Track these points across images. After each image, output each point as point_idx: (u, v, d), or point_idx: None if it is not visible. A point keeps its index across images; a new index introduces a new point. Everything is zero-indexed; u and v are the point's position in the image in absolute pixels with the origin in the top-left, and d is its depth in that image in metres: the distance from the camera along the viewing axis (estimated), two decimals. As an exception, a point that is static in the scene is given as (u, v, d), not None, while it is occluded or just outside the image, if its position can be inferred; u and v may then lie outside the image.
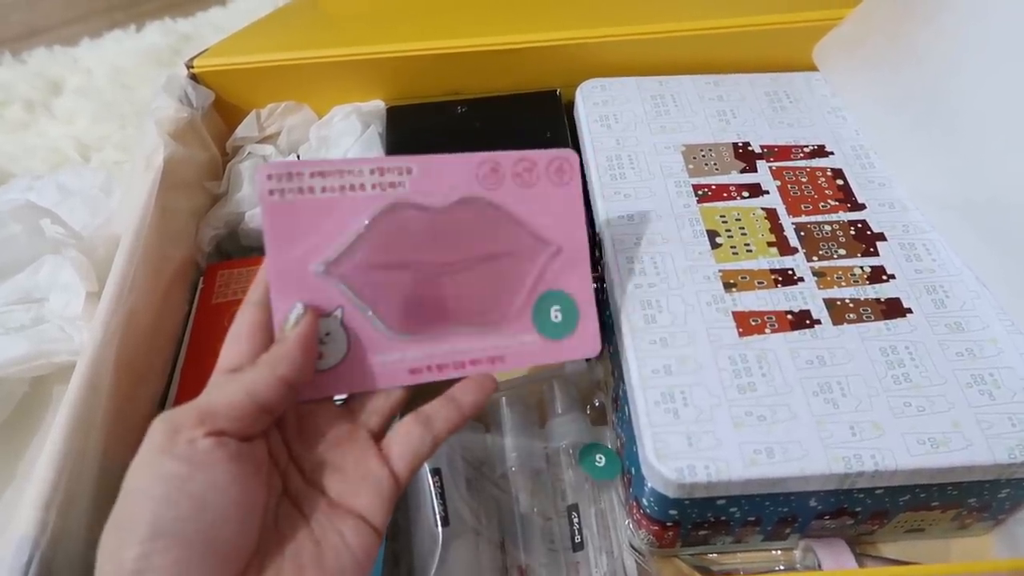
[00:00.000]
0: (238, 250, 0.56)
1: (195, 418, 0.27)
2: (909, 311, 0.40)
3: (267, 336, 0.31)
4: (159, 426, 0.27)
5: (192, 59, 0.55)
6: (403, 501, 0.42)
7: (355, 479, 0.31)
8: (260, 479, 0.29)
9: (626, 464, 0.41)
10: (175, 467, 0.26)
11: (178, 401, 0.42)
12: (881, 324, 0.39)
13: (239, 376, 0.29)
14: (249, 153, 0.57)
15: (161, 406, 0.44)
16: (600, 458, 0.43)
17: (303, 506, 0.30)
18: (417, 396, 0.34)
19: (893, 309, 0.40)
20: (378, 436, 0.33)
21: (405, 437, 0.33)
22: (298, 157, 0.57)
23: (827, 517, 0.39)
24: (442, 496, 0.41)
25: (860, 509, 0.38)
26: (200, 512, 0.26)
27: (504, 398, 0.46)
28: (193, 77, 0.55)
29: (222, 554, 0.26)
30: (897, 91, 0.45)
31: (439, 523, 0.40)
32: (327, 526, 0.30)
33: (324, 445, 0.32)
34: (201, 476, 0.26)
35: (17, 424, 0.48)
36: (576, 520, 0.42)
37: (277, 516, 0.29)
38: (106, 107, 0.77)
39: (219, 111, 0.58)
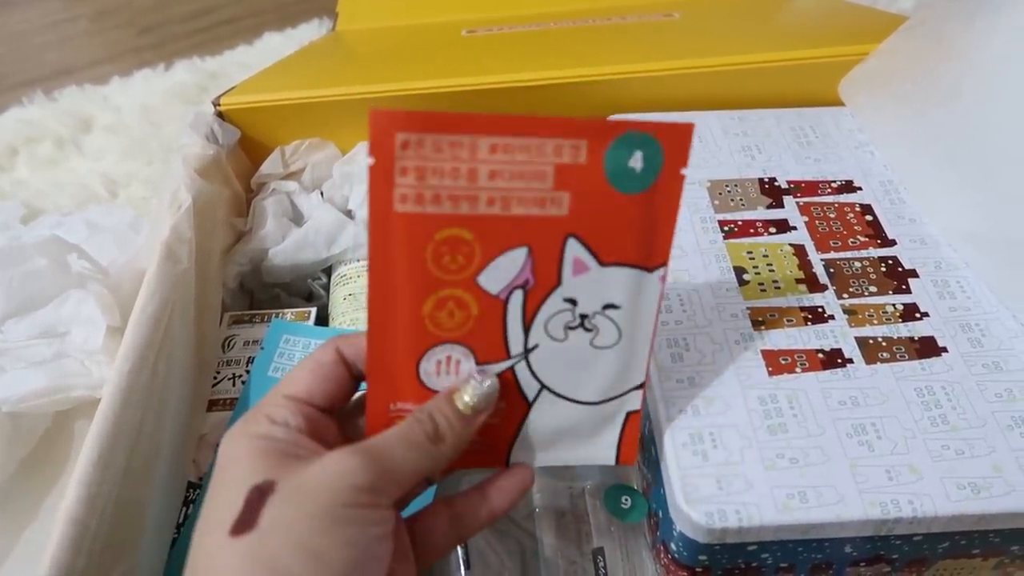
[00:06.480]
0: (260, 287, 0.56)
1: (376, 477, 0.26)
2: (944, 350, 0.39)
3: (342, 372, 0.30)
4: (339, 479, 0.25)
5: (219, 97, 0.56)
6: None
7: None
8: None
9: (653, 506, 0.40)
10: (358, 535, 0.25)
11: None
12: (916, 364, 0.38)
13: (427, 446, 0.28)
14: (273, 190, 0.57)
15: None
16: (626, 500, 0.42)
17: None
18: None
19: (928, 348, 0.39)
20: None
21: (430, 528, 0.31)
22: (322, 194, 0.57)
23: (863, 564, 0.37)
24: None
25: (897, 556, 0.37)
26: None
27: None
28: (219, 115, 0.56)
29: None
30: (926, 126, 0.45)
31: (462, 567, 0.39)
32: None
33: None
34: (377, 549, 0.26)
35: (40, 460, 0.48)
36: (602, 564, 0.41)
37: None
38: (134, 144, 0.78)
39: (244, 148, 0.59)
